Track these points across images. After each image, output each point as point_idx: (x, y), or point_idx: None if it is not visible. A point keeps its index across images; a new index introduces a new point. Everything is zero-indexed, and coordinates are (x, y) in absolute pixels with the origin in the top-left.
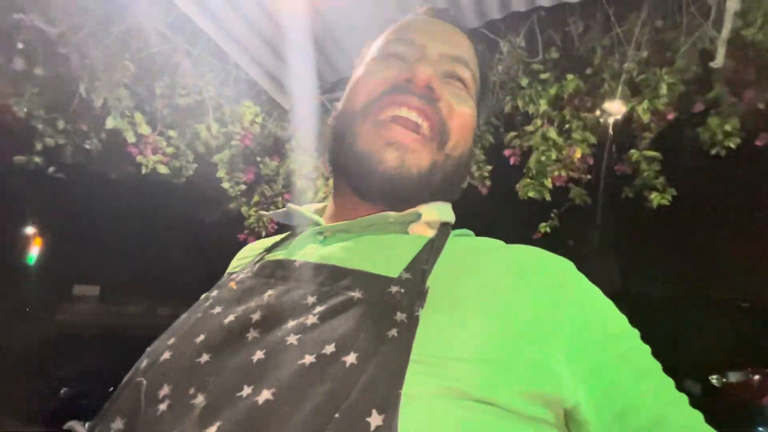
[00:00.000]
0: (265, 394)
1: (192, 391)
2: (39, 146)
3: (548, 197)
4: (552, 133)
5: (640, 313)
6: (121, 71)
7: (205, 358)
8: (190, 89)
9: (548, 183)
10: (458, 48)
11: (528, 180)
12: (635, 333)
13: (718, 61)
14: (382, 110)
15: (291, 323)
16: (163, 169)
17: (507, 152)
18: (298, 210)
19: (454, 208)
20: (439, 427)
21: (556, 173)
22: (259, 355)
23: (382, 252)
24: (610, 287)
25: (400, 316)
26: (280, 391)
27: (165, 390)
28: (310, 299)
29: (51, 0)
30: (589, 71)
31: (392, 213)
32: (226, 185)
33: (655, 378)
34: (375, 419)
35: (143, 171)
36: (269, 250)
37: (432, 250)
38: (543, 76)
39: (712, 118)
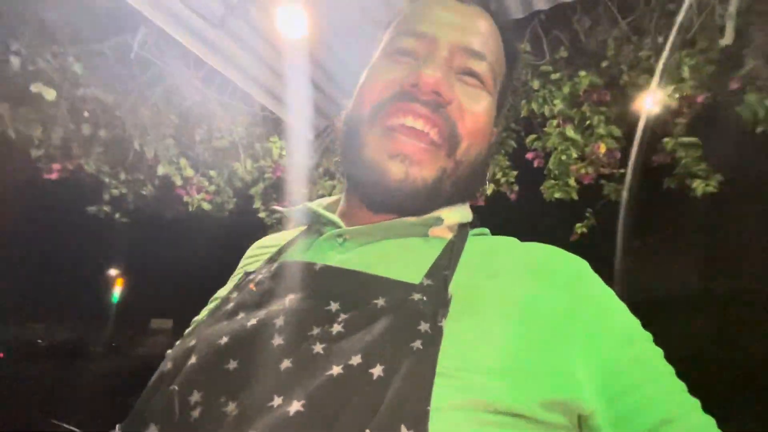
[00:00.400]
0: (296, 406)
1: (223, 399)
2: (106, 196)
3: (575, 197)
4: (570, 132)
5: (701, 312)
6: (166, 124)
7: (233, 364)
8: (224, 132)
9: (572, 182)
10: (474, 35)
11: (552, 181)
12: (648, 336)
13: (727, 38)
14: (389, 118)
15: (316, 330)
16: (206, 206)
17: (530, 155)
18: (317, 210)
19: (484, 216)
20: None
21: (582, 171)
22: (286, 363)
23: (403, 256)
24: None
25: (423, 326)
26: (310, 403)
27: (196, 396)
28: (333, 305)
29: (108, 70)
30: (604, 64)
31: (412, 218)
32: (262, 215)
33: (667, 381)
34: None
35: (190, 209)
36: (282, 249)
37: (452, 253)
38: (554, 76)
39: (749, 94)
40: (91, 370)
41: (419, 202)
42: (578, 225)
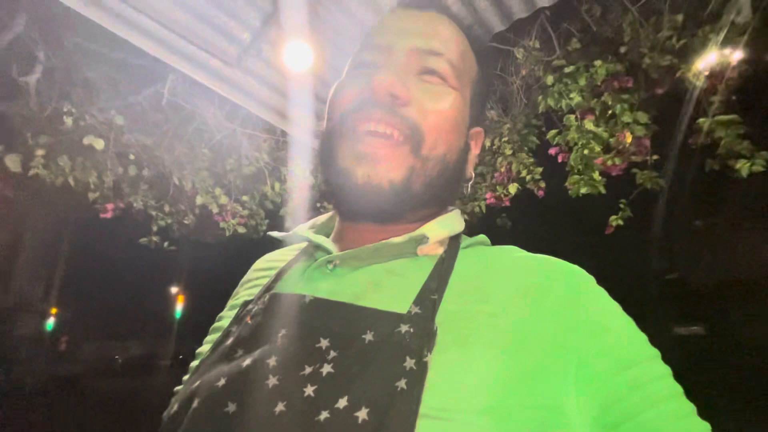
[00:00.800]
0: None
1: None
2: (155, 228)
3: (603, 190)
4: (590, 125)
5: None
6: (200, 158)
7: (231, 408)
8: (251, 160)
9: (597, 176)
10: (432, 38)
11: (576, 177)
12: (653, 354)
13: (746, 13)
14: (354, 125)
15: (307, 370)
16: (241, 230)
17: (552, 150)
18: (305, 236)
19: (513, 215)
20: None
21: (609, 163)
22: (280, 407)
23: (392, 282)
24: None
25: (409, 362)
26: None
27: None
28: (323, 342)
29: (145, 117)
30: (623, 50)
31: (396, 239)
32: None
33: (671, 403)
34: None
35: (227, 234)
36: (280, 273)
37: (442, 272)
38: (567, 69)
39: None
40: (161, 382)
41: (387, 204)
42: (613, 217)
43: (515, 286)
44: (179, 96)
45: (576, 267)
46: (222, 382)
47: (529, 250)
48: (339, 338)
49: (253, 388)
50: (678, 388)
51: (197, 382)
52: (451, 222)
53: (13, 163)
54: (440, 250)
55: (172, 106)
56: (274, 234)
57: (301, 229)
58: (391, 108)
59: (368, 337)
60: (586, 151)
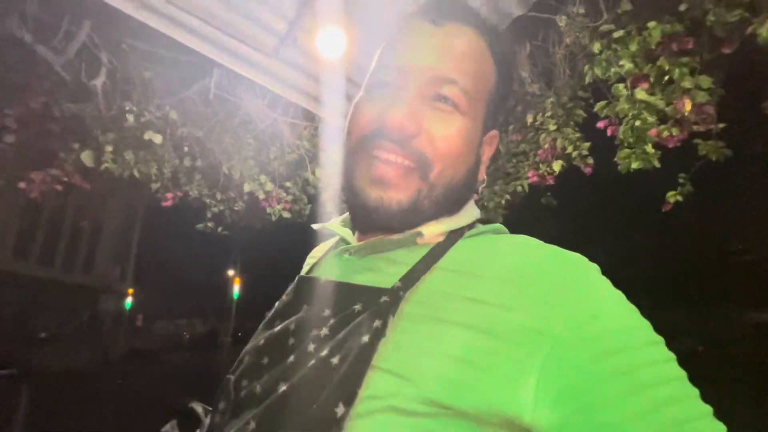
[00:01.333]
0: (282, 388)
1: (255, 383)
2: (209, 214)
3: (657, 164)
4: (641, 94)
5: None
6: (246, 148)
7: (265, 359)
8: (293, 147)
9: (650, 149)
10: (445, 60)
11: (626, 150)
12: (652, 340)
13: None
14: (369, 150)
15: (313, 332)
16: (286, 214)
17: (600, 124)
18: (331, 229)
19: (558, 194)
20: None
21: (665, 134)
22: (291, 358)
23: (389, 266)
24: None
25: (377, 322)
26: (291, 387)
27: (244, 383)
28: (327, 312)
29: (196, 111)
30: (683, 7)
31: (396, 236)
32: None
33: (666, 388)
34: (340, 409)
35: (273, 219)
36: (318, 261)
37: (431, 257)
38: (616, 34)
39: None
40: (223, 357)
41: (397, 223)
42: (670, 193)
43: (502, 273)
44: (224, 89)
45: (575, 256)
46: (261, 342)
47: (576, 230)
48: (337, 308)
49: (278, 345)
50: (679, 373)
51: (250, 344)
52: (455, 218)
53: (88, 158)
54: (439, 239)
55: (219, 99)
56: (315, 226)
57: (332, 223)
58: (401, 141)
59: (357, 306)
60: (637, 123)
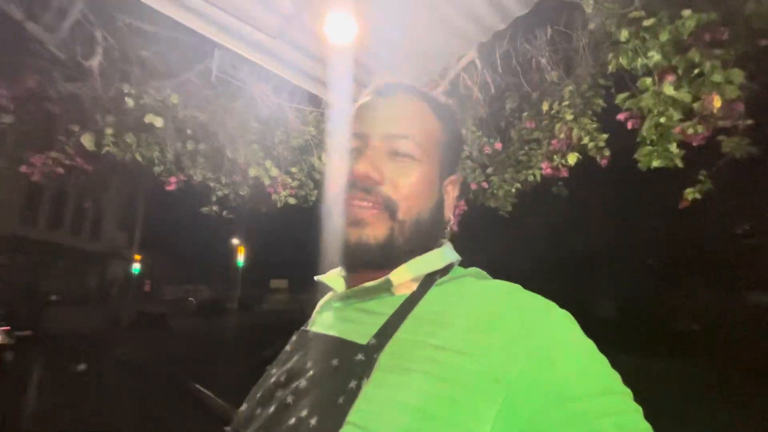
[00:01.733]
0: None
1: None
2: (214, 198)
3: (679, 164)
4: (669, 89)
5: None
6: (250, 132)
7: (258, 411)
8: (298, 132)
9: (674, 148)
10: (400, 123)
11: (648, 148)
12: (608, 391)
13: None
14: (346, 199)
15: (293, 384)
16: (291, 200)
17: (621, 116)
18: (322, 281)
19: (572, 185)
20: None
21: (690, 132)
22: (272, 409)
23: (366, 317)
24: None
25: (352, 383)
26: None
27: None
28: (309, 364)
29: (198, 93)
30: None
31: (368, 284)
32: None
33: None
34: None
35: (278, 205)
36: (319, 311)
37: (404, 309)
38: (647, 22)
39: None
40: (230, 322)
41: (376, 257)
42: (689, 190)
43: (469, 320)
44: (227, 72)
45: (543, 302)
46: (259, 393)
47: (588, 222)
48: (317, 362)
49: (267, 396)
50: (642, 426)
51: (253, 390)
52: (424, 262)
53: (88, 141)
54: (414, 287)
55: (221, 81)
56: (317, 278)
57: (328, 274)
58: (369, 188)
59: (334, 362)
60: (662, 119)
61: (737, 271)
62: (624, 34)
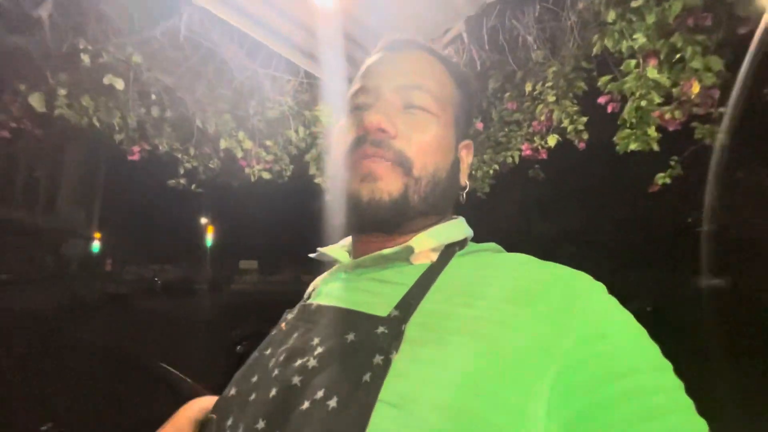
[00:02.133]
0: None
1: (238, 422)
2: (182, 170)
3: (655, 147)
4: (653, 72)
5: None
6: (221, 100)
7: (252, 396)
8: (274, 103)
9: (652, 132)
10: (414, 75)
11: (627, 131)
12: (661, 365)
13: None
14: (356, 155)
15: (298, 362)
16: (266, 175)
17: (602, 99)
18: (325, 253)
19: (550, 169)
20: None
21: (667, 116)
22: (273, 392)
23: (382, 288)
24: None
25: (377, 359)
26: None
27: (229, 422)
28: (316, 340)
29: (164, 55)
30: None
31: (386, 251)
32: (318, 181)
33: (675, 417)
34: None
35: (252, 179)
36: (315, 287)
37: (427, 278)
38: (635, 3)
39: None
40: (198, 302)
41: (390, 216)
42: (660, 175)
43: (506, 291)
44: (196, 32)
45: (580, 274)
46: (255, 378)
47: (562, 204)
48: (327, 337)
49: (263, 378)
50: (688, 402)
51: (239, 372)
52: (445, 231)
53: (37, 102)
54: (433, 258)
55: (191, 42)
56: (312, 255)
57: (328, 247)
58: (382, 141)
59: (350, 337)
60: (643, 103)
61: (688, 255)
62: (611, 15)
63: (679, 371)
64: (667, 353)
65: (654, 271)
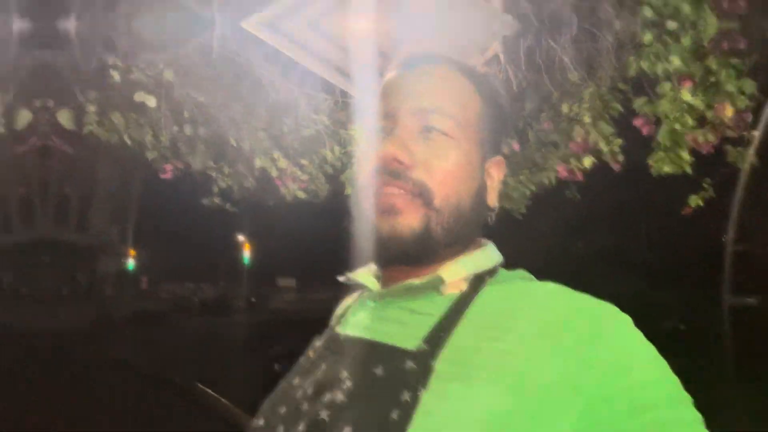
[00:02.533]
0: None
1: None
2: (216, 189)
3: (689, 170)
4: (687, 95)
5: None
6: (256, 118)
7: (281, 429)
8: (309, 122)
9: (685, 155)
10: (433, 96)
11: (661, 153)
12: (681, 398)
13: None
14: (375, 188)
15: (327, 396)
16: (301, 195)
17: (637, 121)
18: (353, 279)
19: (584, 190)
20: None
21: (700, 139)
22: (301, 426)
23: (410, 318)
24: None
25: (405, 395)
26: None
27: None
28: (344, 374)
29: (196, 72)
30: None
31: (416, 281)
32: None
33: None
34: None
35: (287, 199)
36: (343, 313)
37: (457, 310)
38: (671, 26)
39: None
40: (235, 320)
41: (413, 250)
42: (693, 197)
43: (534, 323)
44: (230, 49)
45: (606, 306)
46: (283, 410)
47: (598, 225)
48: (355, 371)
49: (292, 411)
50: None
51: (267, 403)
52: (475, 260)
53: (65, 119)
54: (464, 287)
55: (223, 60)
56: (341, 279)
57: (357, 272)
58: (399, 173)
59: (378, 371)
60: (677, 126)
61: (720, 275)
62: (648, 37)
63: (709, 389)
64: (699, 370)
65: (687, 290)
